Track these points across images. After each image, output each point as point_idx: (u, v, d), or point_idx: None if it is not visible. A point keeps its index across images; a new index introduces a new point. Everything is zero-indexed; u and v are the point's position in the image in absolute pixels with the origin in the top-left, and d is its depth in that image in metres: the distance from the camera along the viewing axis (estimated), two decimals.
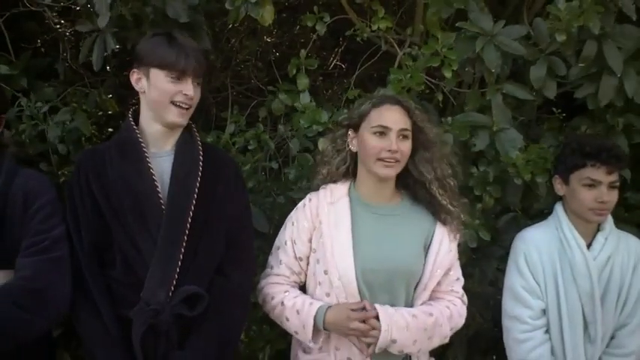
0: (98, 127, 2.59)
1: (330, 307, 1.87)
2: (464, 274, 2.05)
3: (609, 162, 2.07)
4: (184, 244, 1.80)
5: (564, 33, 2.23)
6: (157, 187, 1.82)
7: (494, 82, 2.36)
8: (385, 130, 1.88)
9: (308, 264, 1.97)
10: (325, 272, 1.90)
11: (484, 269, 2.43)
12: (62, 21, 2.86)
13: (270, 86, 2.67)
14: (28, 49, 2.66)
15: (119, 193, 1.81)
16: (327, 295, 1.90)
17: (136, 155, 1.84)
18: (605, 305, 2.12)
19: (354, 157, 2.00)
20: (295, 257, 1.97)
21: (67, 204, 1.86)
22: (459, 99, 2.56)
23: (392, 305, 1.87)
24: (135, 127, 1.89)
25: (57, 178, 2.30)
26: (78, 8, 2.55)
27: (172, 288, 1.78)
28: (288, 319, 1.92)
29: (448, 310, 1.93)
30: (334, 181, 2.00)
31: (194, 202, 1.83)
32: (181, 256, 1.79)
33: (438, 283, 1.94)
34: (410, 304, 1.93)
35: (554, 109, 2.54)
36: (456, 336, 2.16)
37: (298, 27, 3.44)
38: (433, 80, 2.45)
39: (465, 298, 2.02)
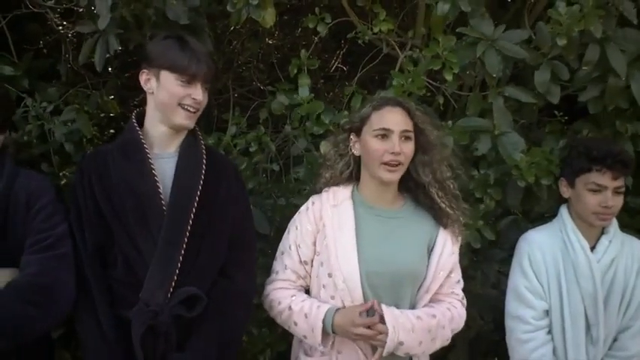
0: (99, 129, 2.59)
1: (338, 309, 1.86)
2: (466, 277, 2.06)
3: (615, 167, 2.07)
4: (185, 245, 1.80)
5: (565, 37, 2.23)
6: (159, 188, 1.82)
7: (495, 86, 2.37)
8: (387, 132, 1.88)
9: (312, 267, 1.97)
10: (329, 275, 1.89)
11: (486, 272, 2.43)
12: (64, 22, 2.87)
13: (271, 87, 2.68)
14: (31, 50, 2.66)
15: (121, 194, 1.82)
16: (332, 297, 1.89)
17: (138, 156, 1.85)
18: (608, 307, 2.12)
19: (358, 160, 1.99)
20: (300, 261, 1.96)
21: (71, 205, 1.87)
22: (460, 102, 2.56)
23: (397, 307, 1.87)
24: (138, 128, 1.89)
25: (58, 179, 2.30)
26: (80, 10, 2.56)
27: (171, 289, 1.78)
28: (296, 324, 1.90)
29: (449, 312, 1.94)
30: (337, 184, 2.00)
31: (196, 204, 1.83)
32: (182, 258, 1.80)
33: (440, 286, 1.94)
34: (414, 306, 1.93)
35: (555, 113, 2.54)
36: (458, 338, 2.17)
37: (300, 29, 3.45)
38: (434, 83, 2.46)
39: (465, 301, 2.02)
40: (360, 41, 2.55)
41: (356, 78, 2.67)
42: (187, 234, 1.81)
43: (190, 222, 1.81)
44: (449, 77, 2.29)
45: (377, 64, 2.69)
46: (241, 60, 3.41)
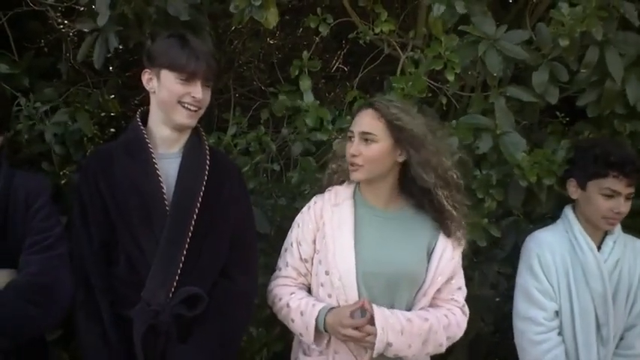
0: (100, 128, 2.59)
1: (331, 309, 1.86)
2: (464, 277, 2.02)
3: (632, 175, 2.07)
4: (187, 245, 1.80)
5: (567, 38, 2.23)
6: (163, 188, 1.82)
7: (496, 86, 2.36)
8: (352, 134, 1.89)
9: (312, 265, 1.97)
10: (327, 273, 1.89)
11: (485, 272, 2.43)
12: (65, 21, 2.86)
13: (272, 88, 2.68)
14: (31, 48, 2.65)
15: (125, 192, 1.82)
16: (329, 296, 1.90)
17: (143, 156, 1.84)
18: (616, 307, 2.13)
19: None
20: (301, 259, 1.96)
21: (75, 204, 1.86)
22: (462, 102, 2.56)
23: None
24: (142, 127, 1.89)
25: (58, 178, 2.30)
26: (82, 8, 2.55)
27: (173, 289, 1.78)
28: (293, 321, 1.91)
29: (446, 319, 1.91)
30: (341, 182, 2.00)
31: (198, 204, 1.83)
32: (183, 258, 1.79)
33: (439, 291, 1.93)
34: (410, 310, 1.91)
35: (557, 113, 2.54)
36: (457, 340, 2.15)
37: (301, 29, 3.45)
38: (436, 84, 2.45)
39: (467, 309, 1.99)
40: (361, 41, 2.55)
41: (357, 78, 2.67)
42: (190, 234, 1.80)
43: (193, 222, 1.81)
44: (451, 77, 2.28)
45: (378, 65, 2.69)
46: (242, 60, 3.41)
